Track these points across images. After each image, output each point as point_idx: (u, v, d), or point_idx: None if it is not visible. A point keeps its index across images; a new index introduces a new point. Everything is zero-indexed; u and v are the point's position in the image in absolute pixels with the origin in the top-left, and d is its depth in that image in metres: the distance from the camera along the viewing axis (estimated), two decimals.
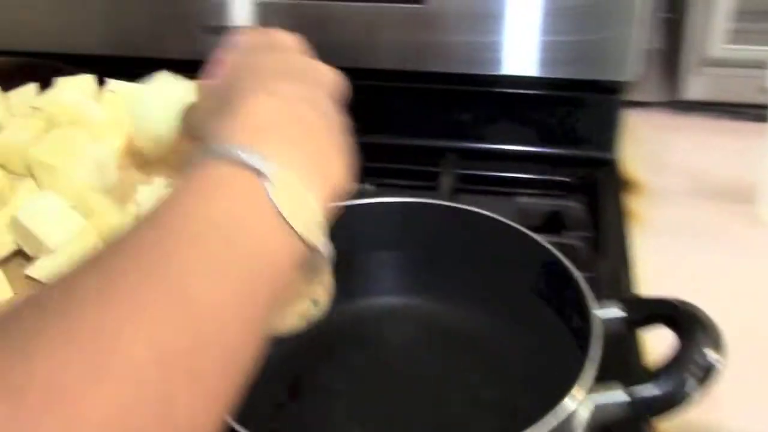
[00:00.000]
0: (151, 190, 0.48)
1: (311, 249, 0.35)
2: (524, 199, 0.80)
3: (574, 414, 0.43)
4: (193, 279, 0.29)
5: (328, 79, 0.43)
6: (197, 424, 0.28)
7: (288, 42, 0.44)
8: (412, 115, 0.90)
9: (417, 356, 0.56)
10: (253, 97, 0.37)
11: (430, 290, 0.59)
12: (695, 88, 0.96)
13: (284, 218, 0.33)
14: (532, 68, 0.86)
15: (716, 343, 0.45)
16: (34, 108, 0.52)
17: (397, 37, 0.85)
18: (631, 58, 0.84)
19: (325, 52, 0.52)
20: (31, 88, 0.57)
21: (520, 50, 0.85)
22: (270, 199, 0.33)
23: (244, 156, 0.34)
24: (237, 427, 0.41)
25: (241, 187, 0.33)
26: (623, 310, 0.50)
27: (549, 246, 0.53)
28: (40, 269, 0.45)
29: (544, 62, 0.85)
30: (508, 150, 0.89)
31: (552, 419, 0.41)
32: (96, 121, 0.53)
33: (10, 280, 0.44)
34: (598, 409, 0.44)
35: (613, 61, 0.85)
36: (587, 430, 0.44)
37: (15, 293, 0.44)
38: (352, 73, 0.77)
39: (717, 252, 0.76)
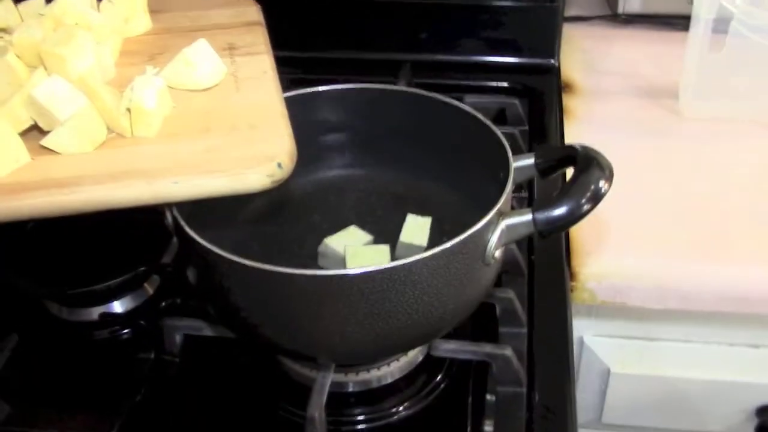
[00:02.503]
0: (144, 78, 0.57)
1: None
2: (472, 99, 0.90)
3: (488, 230, 0.54)
4: None
5: None
6: None
7: None
8: (369, 30, 0.99)
9: (367, 209, 0.67)
10: None
11: (376, 162, 0.70)
12: (632, 1, 1.06)
13: None
14: None
15: (607, 176, 0.55)
16: (41, 14, 0.61)
17: None
18: None
19: None
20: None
21: None
22: None
23: None
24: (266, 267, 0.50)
25: None
26: (536, 157, 0.60)
27: (478, 114, 0.63)
28: (53, 140, 0.55)
29: None
30: (460, 60, 0.99)
31: (469, 233, 0.52)
32: (96, 25, 0.63)
33: (29, 150, 0.54)
34: (510, 228, 0.55)
35: None
36: (500, 244, 0.55)
37: (32, 159, 0.54)
38: None
39: (642, 140, 0.87)
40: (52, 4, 0.61)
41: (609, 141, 0.86)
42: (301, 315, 0.52)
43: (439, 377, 0.64)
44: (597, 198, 0.54)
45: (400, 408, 0.62)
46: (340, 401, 0.62)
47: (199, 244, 0.53)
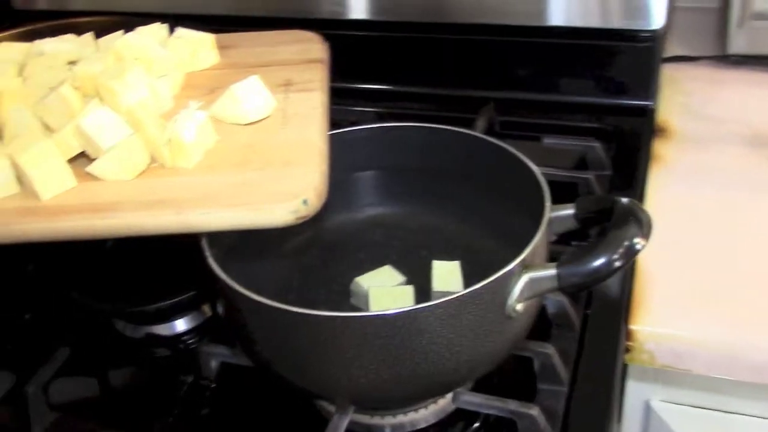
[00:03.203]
0: (187, 112, 0.60)
1: None
2: (551, 141, 0.87)
3: (507, 282, 0.51)
4: None
5: None
6: None
7: None
8: (457, 66, 0.98)
9: (412, 250, 0.66)
10: None
11: (413, 201, 0.69)
12: (740, 42, 0.99)
13: None
14: (570, 18, 0.92)
15: (644, 233, 0.51)
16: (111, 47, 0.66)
17: None
18: (659, 9, 0.88)
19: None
20: (119, 34, 0.71)
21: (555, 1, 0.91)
22: None
23: None
24: (271, 303, 0.50)
25: None
26: (576, 208, 0.57)
27: (519, 154, 0.61)
28: (97, 167, 0.58)
29: (581, 12, 0.91)
30: (548, 100, 0.96)
31: (481, 284, 0.50)
32: (159, 58, 0.67)
33: (77, 175, 0.58)
34: (533, 282, 0.52)
35: (643, 11, 0.90)
36: (523, 297, 0.52)
37: (78, 184, 0.58)
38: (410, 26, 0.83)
39: (734, 194, 0.80)
40: (117, 39, 0.65)
41: (697, 191, 0.81)
42: (306, 353, 0.52)
43: (474, 427, 0.62)
44: (629, 255, 0.51)
45: None
46: None
47: (213, 271, 0.54)
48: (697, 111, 0.95)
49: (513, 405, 0.57)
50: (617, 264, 0.50)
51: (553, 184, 0.80)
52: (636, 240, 0.51)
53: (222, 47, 0.73)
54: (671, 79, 1.00)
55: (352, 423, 0.60)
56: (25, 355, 0.70)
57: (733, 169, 0.84)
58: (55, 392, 0.66)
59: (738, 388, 0.69)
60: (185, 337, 0.73)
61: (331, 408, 0.62)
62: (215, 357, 0.66)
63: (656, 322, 0.67)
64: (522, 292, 0.52)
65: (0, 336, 0.73)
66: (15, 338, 0.73)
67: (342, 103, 0.97)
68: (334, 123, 0.67)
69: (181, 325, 0.74)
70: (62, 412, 0.65)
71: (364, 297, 0.60)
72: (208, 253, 0.56)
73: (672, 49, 1.04)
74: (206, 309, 0.75)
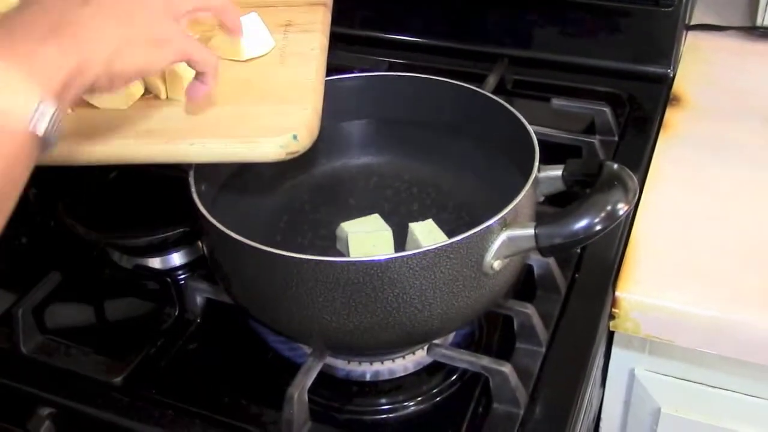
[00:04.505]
0: None
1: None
2: (560, 102, 0.85)
3: (484, 238, 0.51)
4: None
5: None
6: None
7: None
8: (474, 20, 0.96)
9: (404, 201, 0.66)
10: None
11: (410, 153, 0.68)
12: None
13: None
14: None
15: (628, 198, 0.51)
16: None
17: None
18: None
19: None
20: None
21: None
22: None
23: None
24: (244, 240, 0.50)
25: None
26: (564, 170, 0.56)
27: (513, 110, 0.60)
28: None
29: None
30: (563, 60, 0.94)
31: (457, 238, 0.50)
32: None
33: None
34: (512, 240, 0.51)
35: None
36: (501, 255, 0.52)
37: (72, 111, 0.58)
38: None
39: (741, 169, 0.78)
40: None
41: (704, 164, 0.79)
42: (277, 295, 0.52)
43: (450, 380, 0.62)
44: (611, 219, 0.50)
45: (401, 404, 0.61)
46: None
47: (195, 205, 0.54)
48: (717, 82, 0.92)
49: (485, 361, 0.58)
50: (598, 228, 0.50)
51: (556, 146, 0.80)
52: (620, 205, 0.50)
53: None
54: (695, 47, 0.97)
55: (331, 368, 0.61)
56: (19, 278, 0.72)
57: (747, 145, 0.82)
58: (46, 315, 0.68)
59: (724, 363, 0.68)
60: (178, 272, 0.74)
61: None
62: (200, 293, 0.66)
63: (644, 291, 0.66)
64: (500, 249, 0.52)
65: None
66: (11, 260, 0.74)
67: (358, 51, 0.97)
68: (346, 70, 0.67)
69: (176, 259, 0.75)
70: (51, 335, 0.66)
71: (346, 242, 0.60)
72: (193, 188, 0.56)
73: (699, 17, 1.01)
74: (201, 245, 0.76)
